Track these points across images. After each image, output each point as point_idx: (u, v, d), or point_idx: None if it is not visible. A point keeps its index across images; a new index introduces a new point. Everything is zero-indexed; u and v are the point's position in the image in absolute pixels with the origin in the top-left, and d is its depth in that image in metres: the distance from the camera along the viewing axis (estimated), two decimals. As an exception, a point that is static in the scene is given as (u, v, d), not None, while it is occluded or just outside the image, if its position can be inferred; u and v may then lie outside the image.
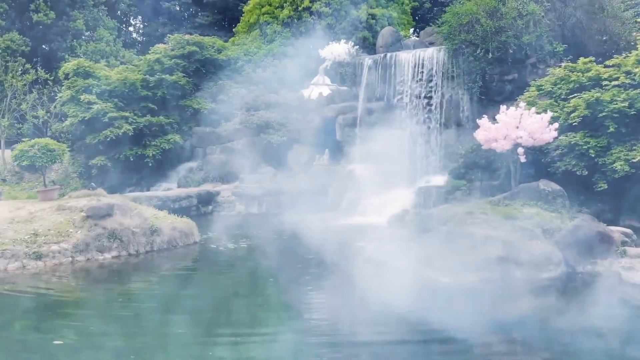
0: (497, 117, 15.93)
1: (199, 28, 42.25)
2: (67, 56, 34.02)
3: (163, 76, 25.34)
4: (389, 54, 23.27)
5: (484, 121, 15.97)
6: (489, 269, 11.60)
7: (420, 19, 35.67)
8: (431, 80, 22.04)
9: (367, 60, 23.78)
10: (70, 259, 13.34)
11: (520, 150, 15.29)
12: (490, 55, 20.18)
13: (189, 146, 25.37)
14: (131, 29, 49.52)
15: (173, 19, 43.01)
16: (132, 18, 45.39)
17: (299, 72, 27.47)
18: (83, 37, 38.39)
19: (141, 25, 47.47)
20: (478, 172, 16.70)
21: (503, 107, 15.86)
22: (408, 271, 11.89)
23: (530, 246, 12.21)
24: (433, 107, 21.97)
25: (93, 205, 14.32)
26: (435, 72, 21.94)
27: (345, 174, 22.69)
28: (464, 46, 21.06)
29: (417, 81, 22.33)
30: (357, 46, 26.74)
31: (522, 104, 15.75)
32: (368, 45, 27.88)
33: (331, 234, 17.40)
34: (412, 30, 35.21)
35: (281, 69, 26.99)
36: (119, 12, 45.10)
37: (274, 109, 25.86)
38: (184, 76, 25.81)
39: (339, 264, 13.15)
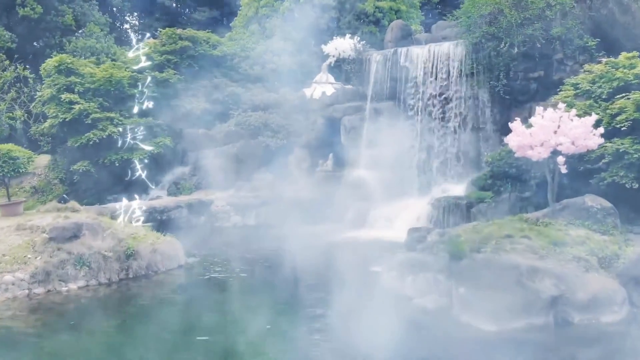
0: (532, 120, 13.40)
1: (195, 24, 39.67)
2: (55, 53, 31.42)
3: (152, 73, 22.78)
4: (399, 49, 20.73)
5: (516, 125, 13.43)
6: (540, 313, 9.11)
7: (429, 13, 33.11)
8: (447, 78, 19.49)
9: (375, 56, 21.25)
10: (27, 291, 10.84)
11: (561, 159, 12.75)
12: (516, 50, 17.63)
13: (180, 150, 22.84)
14: (127, 26, 46.86)
15: (168, 15, 40.41)
16: (126, 14, 42.74)
17: (300, 69, 24.94)
18: (73, 34, 35.78)
19: (136, 22, 44.82)
20: (507, 182, 14.18)
21: (539, 109, 13.32)
22: (441, 314, 9.39)
23: (588, 281, 9.71)
24: (449, 108, 19.45)
25: (57, 225, 11.82)
26: (452, 68, 19.40)
27: (351, 181, 20.16)
28: (484, 40, 18.52)
29: (431, 79, 19.79)
30: (364, 41, 24.18)
31: (561, 105, 13.21)
32: (375, 41, 25.34)
33: (338, 253, 14.90)
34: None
35: (281, 66, 24.47)
36: (113, 8, 42.49)
37: (273, 110, 23.33)
38: (175, 74, 23.26)
39: (352, 301, 10.59)
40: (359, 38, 24.31)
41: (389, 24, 26.22)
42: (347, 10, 26.29)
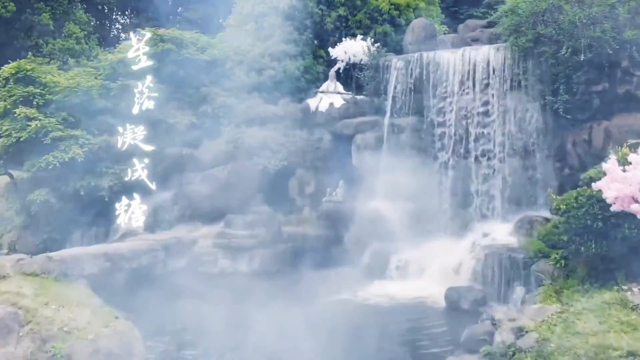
0: (633, 157, 9.34)
1: (187, 23, 35.49)
2: (30, 56, 27.31)
3: (127, 82, 18.66)
4: (425, 54, 16.65)
5: (612, 166, 9.38)
6: None
7: (448, 11, 28.96)
8: (487, 90, 15.43)
9: (395, 61, 17.14)
10: None
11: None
12: (582, 56, 13.52)
13: (161, 172, 18.68)
14: (118, 25, 42.56)
15: (159, 13, 36.16)
16: (115, 13, 38.51)
17: (304, 76, 20.84)
18: (52, 34, 31.59)
19: (128, 21, 40.51)
20: (590, 239, 10.09)
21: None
22: None
23: None
24: (489, 126, 15.38)
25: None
26: (494, 78, 15.32)
27: (366, 215, 16.11)
28: (537, 44, 14.41)
29: (466, 90, 15.71)
30: (378, 43, 20.08)
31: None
32: (390, 43, 21.25)
33: (357, 334, 10.79)
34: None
35: (281, 72, 20.35)
36: (98, 6, 38.26)
37: (271, 124, 19.23)
38: (155, 81, 19.08)
39: None
40: (372, 39, 20.21)
41: (406, 23, 22.12)
42: (357, 8, 22.13)
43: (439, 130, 16.19)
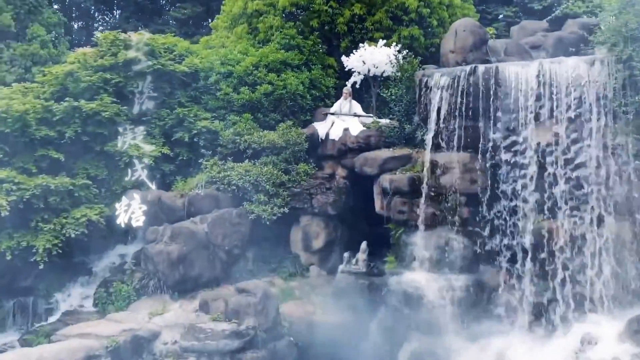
0: None
1: (173, 23, 30.71)
2: (-14, 64, 22.55)
3: (76, 103, 13.78)
4: (481, 67, 11.70)
5: None
6: None
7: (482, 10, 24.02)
8: (576, 119, 10.52)
9: (438, 76, 12.15)
10: None
11: None
12: None
13: (117, 224, 13.77)
14: (99, 26, 37.39)
15: (142, 13, 31.21)
16: (91, 13, 33.49)
17: (310, 92, 15.95)
18: (15, 37, 26.67)
19: (109, 20, 35.40)
20: None
21: None
22: None
23: None
24: (583, 170, 10.48)
25: None
26: (587, 102, 10.41)
27: (401, 294, 11.24)
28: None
29: (548, 119, 10.82)
30: (407, 50, 15.22)
31: None
32: (417, 49, 16.37)
33: None
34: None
35: (281, 87, 15.44)
36: (73, 6, 33.33)
37: (268, 157, 14.35)
38: (113, 102, 14.18)
39: None
40: (400, 46, 15.33)
41: (438, 24, 17.25)
42: (376, 5, 17.19)
43: (505, 172, 11.28)
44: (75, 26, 34.60)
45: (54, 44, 26.82)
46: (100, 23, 34.63)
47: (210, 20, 27.44)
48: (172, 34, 17.59)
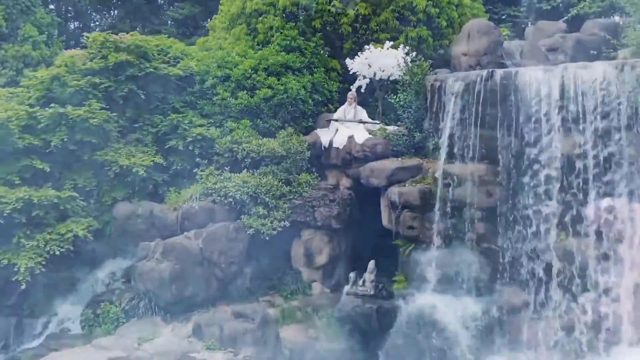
0: None
1: (172, 23, 29.76)
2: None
3: (62, 109, 12.84)
4: (499, 72, 10.75)
5: None
6: None
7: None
8: (605, 127, 9.59)
9: (452, 82, 11.20)
10: None
11: None
12: None
13: (106, 239, 12.84)
14: (97, 27, 36.32)
15: (138, 13, 30.18)
16: (86, 12, 32.44)
17: (312, 96, 15.00)
18: (7, 38, 25.75)
19: (106, 20, 34.34)
20: None
21: None
22: None
23: None
24: (611, 183, 9.55)
25: None
26: (617, 109, 9.47)
27: (412, 319, 10.26)
28: None
29: (574, 127, 9.89)
30: (415, 53, 14.27)
31: None
32: (425, 51, 15.39)
33: None
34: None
35: (281, 91, 14.50)
36: (69, 7, 32.32)
37: (267, 166, 13.42)
38: (103, 108, 13.22)
39: None
40: (408, 48, 14.38)
41: (448, 24, 16.27)
42: (382, 5, 16.22)
43: (526, 185, 10.34)
44: (72, 26, 33.68)
45: (47, 45, 25.89)
46: (97, 23, 33.64)
47: (209, 20, 26.49)
48: (167, 36, 16.68)
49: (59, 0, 31.33)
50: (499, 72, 10.68)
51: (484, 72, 10.82)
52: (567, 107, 9.86)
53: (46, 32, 26.33)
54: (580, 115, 9.78)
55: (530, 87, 10.21)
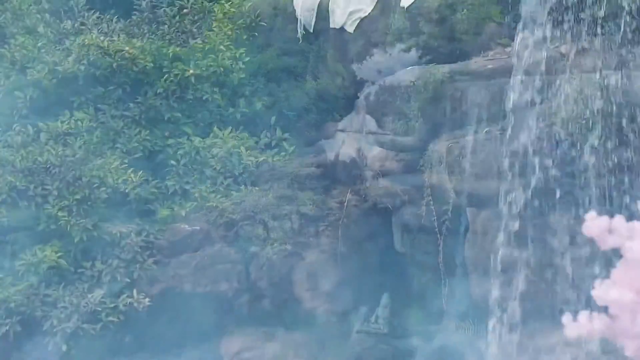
0: None
1: (178, 26, 28.43)
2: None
3: (41, 124, 11.63)
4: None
5: None
6: None
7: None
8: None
9: (475, 92, 9.97)
10: None
11: None
12: None
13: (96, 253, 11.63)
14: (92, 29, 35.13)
15: (137, 12, 29.06)
16: (80, 12, 31.37)
17: (317, 104, 13.76)
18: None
19: (101, 22, 33.25)
20: None
21: None
22: None
23: None
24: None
25: None
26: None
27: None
28: None
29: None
30: (429, 56, 13.05)
31: None
32: (441, 54, 14.18)
33: None
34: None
35: (282, 98, 13.32)
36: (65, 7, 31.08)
37: (267, 182, 12.20)
38: (86, 118, 11.98)
39: None
40: (421, 51, 13.13)
41: (468, 26, 14.96)
42: (390, 6, 14.95)
43: (563, 197, 9.11)
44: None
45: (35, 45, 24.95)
46: (94, 25, 32.39)
47: (208, 21, 25.38)
48: (163, 36, 15.52)
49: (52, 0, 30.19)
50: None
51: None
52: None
53: (34, 33, 25.41)
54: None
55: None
